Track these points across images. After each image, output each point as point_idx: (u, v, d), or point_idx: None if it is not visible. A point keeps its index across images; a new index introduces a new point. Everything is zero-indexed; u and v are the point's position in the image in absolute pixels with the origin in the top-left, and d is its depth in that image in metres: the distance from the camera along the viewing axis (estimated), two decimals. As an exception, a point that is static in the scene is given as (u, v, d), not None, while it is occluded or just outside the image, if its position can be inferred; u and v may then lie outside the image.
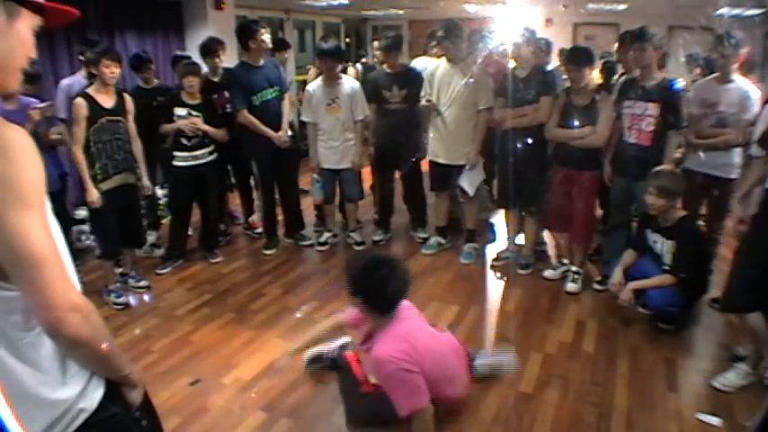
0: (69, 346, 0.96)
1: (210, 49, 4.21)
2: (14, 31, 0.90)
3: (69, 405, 0.99)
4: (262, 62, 4.00)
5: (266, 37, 3.91)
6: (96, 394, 1.04)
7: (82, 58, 4.18)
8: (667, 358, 2.86)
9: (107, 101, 3.27)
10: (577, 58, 3.46)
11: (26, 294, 0.89)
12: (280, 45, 5.01)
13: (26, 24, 0.92)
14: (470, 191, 3.97)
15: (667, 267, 3.09)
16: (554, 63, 5.92)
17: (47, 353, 0.97)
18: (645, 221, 3.22)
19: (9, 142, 0.86)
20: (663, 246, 3.10)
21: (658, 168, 3.08)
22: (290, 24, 9.28)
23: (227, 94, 4.16)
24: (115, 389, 1.08)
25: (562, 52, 5.87)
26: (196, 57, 4.40)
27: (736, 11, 6.62)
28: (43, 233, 0.88)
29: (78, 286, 0.96)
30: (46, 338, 0.95)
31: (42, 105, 3.30)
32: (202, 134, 3.84)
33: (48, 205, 0.93)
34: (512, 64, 3.80)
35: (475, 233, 4.24)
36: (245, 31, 3.91)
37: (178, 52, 5.21)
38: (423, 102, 3.96)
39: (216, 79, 4.25)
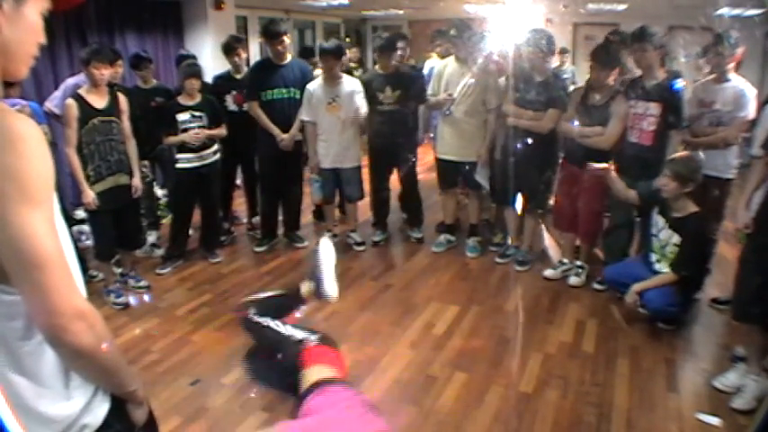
0: (71, 357, 0.89)
1: (231, 47, 4.28)
2: (23, 16, 0.86)
3: (72, 421, 0.94)
4: (285, 62, 4.07)
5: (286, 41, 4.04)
6: (101, 409, 0.98)
7: None
8: (667, 358, 2.86)
9: (99, 101, 3.25)
10: (603, 58, 3.41)
11: (27, 298, 0.83)
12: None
13: (34, 9, 0.88)
14: (486, 185, 4.05)
15: (657, 266, 3.11)
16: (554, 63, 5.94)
17: (49, 362, 0.91)
18: (657, 200, 3.14)
19: (17, 134, 0.81)
20: (664, 233, 3.08)
21: (676, 155, 3.07)
22: (290, 24, 9.28)
23: (245, 92, 4.25)
24: (120, 405, 1.02)
25: (563, 51, 5.90)
26: (200, 56, 4.41)
27: (736, 11, 6.61)
28: (49, 232, 0.82)
29: (84, 291, 0.91)
30: (48, 347, 0.89)
31: (16, 107, 3.24)
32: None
33: (56, 204, 0.87)
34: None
35: (477, 227, 4.29)
36: (267, 34, 4.04)
37: (183, 51, 5.20)
38: (444, 96, 3.95)
39: (238, 77, 4.30)
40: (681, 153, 3.09)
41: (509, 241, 4.17)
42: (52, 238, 0.83)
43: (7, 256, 0.81)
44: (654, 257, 3.18)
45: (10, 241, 0.80)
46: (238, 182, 4.83)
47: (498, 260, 4.09)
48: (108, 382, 0.99)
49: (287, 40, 4.03)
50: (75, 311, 0.84)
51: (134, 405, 1.05)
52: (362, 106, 4.05)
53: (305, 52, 5.20)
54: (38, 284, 0.81)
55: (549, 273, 3.85)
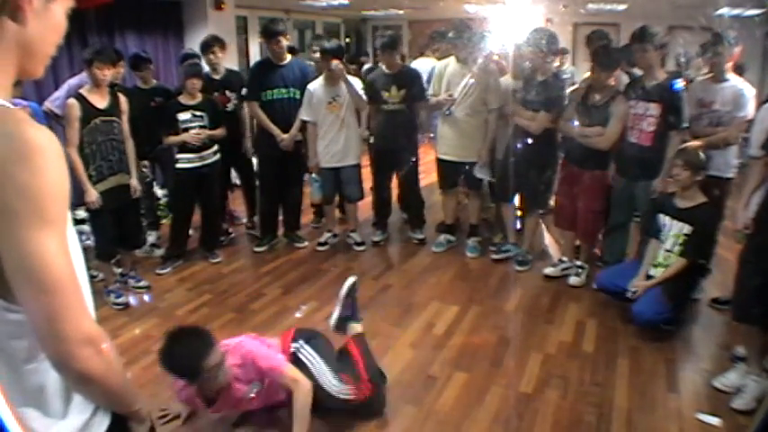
0: (78, 382, 0.86)
1: (206, 45, 4.24)
2: (51, 13, 0.84)
3: None
4: (285, 62, 4.08)
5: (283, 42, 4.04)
6: (101, 427, 0.96)
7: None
8: (667, 358, 2.86)
9: (100, 101, 3.25)
10: (601, 59, 3.43)
11: (34, 321, 0.79)
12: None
13: (62, 6, 0.85)
14: (488, 177, 4.08)
15: (653, 271, 3.10)
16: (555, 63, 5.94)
17: (52, 381, 0.88)
18: (658, 206, 3.19)
19: (34, 146, 0.76)
20: (672, 228, 3.07)
21: (686, 144, 3.08)
22: (290, 24, 9.28)
23: (227, 93, 4.24)
24: (120, 421, 1.00)
25: (563, 52, 5.91)
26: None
27: (736, 11, 6.60)
28: (60, 253, 0.78)
29: (93, 312, 0.89)
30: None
31: (17, 107, 3.25)
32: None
33: (69, 219, 0.84)
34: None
35: (477, 228, 4.29)
36: (265, 34, 4.07)
37: (187, 50, 5.18)
38: (444, 96, 3.96)
39: (217, 77, 4.27)
40: (689, 143, 3.10)
41: (509, 239, 4.18)
42: (63, 258, 0.79)
43: (16, 277, 0.77)
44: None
45: (20, 262, 0.76)
46: (237, 182, 4.83)
47: (494, 256, 4.11)
48: (113, 404, 0.97)
49: (284, 39, 4.03)
50: (83, 337, 0.80)
51: (136, 422, 1.03)
52: (363, 94, 4.06)
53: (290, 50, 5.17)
54: (45, 308, 0.77)
55: (549, 270, 3.86)
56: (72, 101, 3.18)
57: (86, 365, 0.81)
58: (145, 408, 1.03)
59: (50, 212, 0.77)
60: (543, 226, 4.32)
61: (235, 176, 4.74)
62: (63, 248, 0.79)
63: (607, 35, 4.22)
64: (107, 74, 3.22)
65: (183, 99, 3.85)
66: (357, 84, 4.08)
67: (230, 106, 4.27)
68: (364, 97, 4.07)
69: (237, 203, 4.98)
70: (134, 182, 3.48)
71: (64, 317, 0.78)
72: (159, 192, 4.94)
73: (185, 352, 2.00)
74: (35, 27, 0.82)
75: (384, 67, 4.21)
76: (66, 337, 0.78)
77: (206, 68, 4.31)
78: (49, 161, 0.77)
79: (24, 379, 0.87)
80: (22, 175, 0.75)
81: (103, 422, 0.96)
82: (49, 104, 3.92)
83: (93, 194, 3.22)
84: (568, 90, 3.85)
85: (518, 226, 4.22)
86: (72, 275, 0.80)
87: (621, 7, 7.95)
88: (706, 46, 3.47)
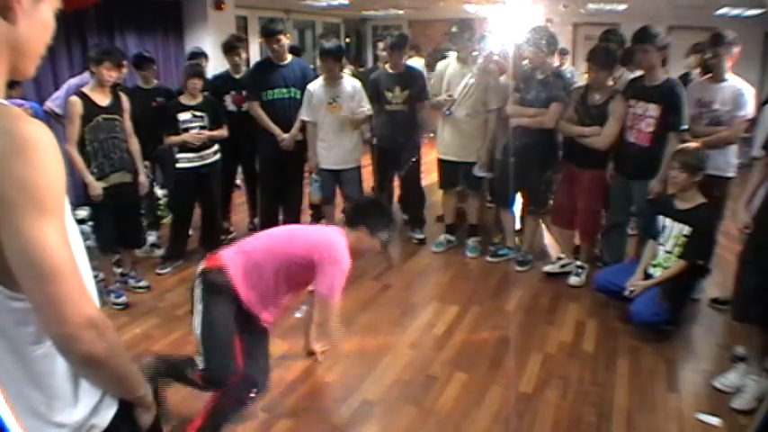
0: (82, 365, 0.89)
1: (232, 46, 4.26)
2: (39, 12, 0.85)
3: (80, 425, 0.94)
4: (285, 62, 4.08)
5: (284, 41, 4.03)
6: (109, 412, 0.99)
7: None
8: (667, 358, 2.86)
9: (103, 99, 3.26)
10: (598, 59, 3.44)
11: (38, 308, 0.82)
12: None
13: (50, 6, 0.87)
14: (487, 176, 4.08)
15: (652, 270, 3.10)
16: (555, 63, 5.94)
17: (60, 366, 0.90)
18: (657, 207, 3.19)
19: (29, 140, 0.79)
20: (672, 229, 3.06)
21: (683, 146, 3.07)
22: (290, 24, 9.29)
23: (245, 93, 4.23)
24: (126, 408, 1.02)
25: (562, 52, 5.93)
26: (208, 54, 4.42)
27: (736, 11, 6.61)
28: (60, 242, 0.81)
29: (96, 298, 0.91)
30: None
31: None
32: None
33: (68, 209, 0.86)
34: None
35: (477, 228, 4.29)
36: (264, 33, 4.06)
37: (195, 48, 5.15)
38: (444, 97, 3.97)
39: (237, 77, 4.28)
40: (686, 144, 3.10)
41: (507, 242, 4.18)
42: (63, 248, 0.82)
43: (18, 267, 0.80)
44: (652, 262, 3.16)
45: (21, 252, 0.79)
46: (239, 182, 4.83)
47: (489, 258, 4.11)
48: (118, 388, 0.99)
49: (283, 39, 4.02)
50: (85, 320, 0.83)
51: (142, 409, 1.04)
52: (366, 106, 4.04)
53: (292, 50, 5.19)
54: (48, 295, 0.80)
55: (548, 267, 3.87)
56: (74, 98, 3.19)
57: (90, 347, 0.83)
58: (150, 394, 1.04)
59: (48, 203, 0.80)
60: (543, 225, 4.33)
61: (237, 177, 4.74)
62: (62, 237, 0.82)
63: (620, 35, 4.17)
64: (113, 75, 3.23)
65: (183, 99, 3.85)
66: (357, 84, 4.08)
67: (246, 106, 4.27)
68: (367, 112, 4.03)
69: (239, 203, 4.97)
70: (142, 178, 3.50)
71: (65, 301, 0.81)
72: (159, 192, 4.94)
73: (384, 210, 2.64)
74: (25, 26, 0.84)
75: (387, 67, 4.21)
76: (69, 321, 0.81)
77: (226, 68, 4.36)
78: (45, 154, 0.80)
79: (32, 365, 0.89)
80: (20, 169, 0.77)
81: (111, 408, 0.98)
82: (49, 104, 3.93)
83: (96, 188, 3.23)
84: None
85: (518, 226, 4.23)
86: (72, 262, 0.83)
87: (621, 7, 7.96)
88: (698, 46, 3.47)
